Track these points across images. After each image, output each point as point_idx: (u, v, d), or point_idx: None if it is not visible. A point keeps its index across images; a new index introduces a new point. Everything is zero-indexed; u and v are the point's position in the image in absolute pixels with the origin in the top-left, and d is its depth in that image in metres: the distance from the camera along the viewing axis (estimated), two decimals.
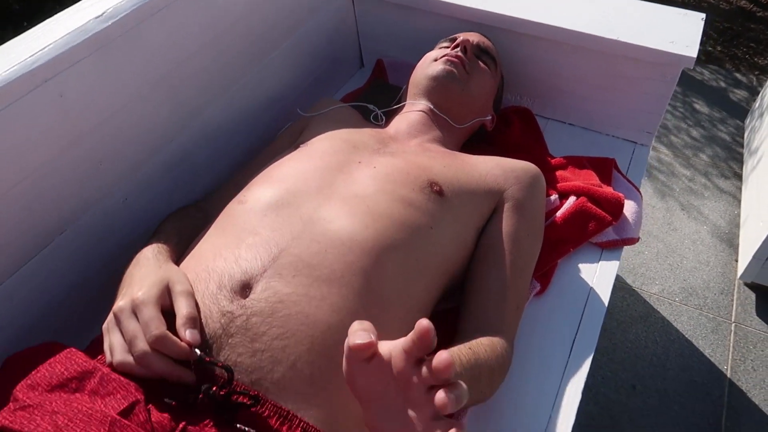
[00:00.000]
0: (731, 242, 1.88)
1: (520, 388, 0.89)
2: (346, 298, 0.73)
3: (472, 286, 0.91)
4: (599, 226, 1.10)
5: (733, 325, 1.66)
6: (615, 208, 1.12)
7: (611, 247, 1.11)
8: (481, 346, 0.78)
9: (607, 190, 1.14)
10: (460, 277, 0.93)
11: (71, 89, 0.82)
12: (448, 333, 0.87)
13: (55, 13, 0.89)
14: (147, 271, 0.73)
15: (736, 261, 1.82)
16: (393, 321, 0.77)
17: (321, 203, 0.82)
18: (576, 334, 0.97)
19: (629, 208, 1.15)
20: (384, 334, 0.74)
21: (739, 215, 1.96)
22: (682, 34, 1.19)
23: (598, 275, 1.07)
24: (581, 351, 0.94)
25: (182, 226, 0.93)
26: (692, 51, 1.14)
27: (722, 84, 2.56)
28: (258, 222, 0.80)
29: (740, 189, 2.05)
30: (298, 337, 0.68)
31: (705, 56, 2.73)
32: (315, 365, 0.67)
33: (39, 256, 0.85)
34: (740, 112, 2.40)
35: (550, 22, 1.23)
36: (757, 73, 2.61)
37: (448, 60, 1.10)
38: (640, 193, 1.21)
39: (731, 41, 2.79)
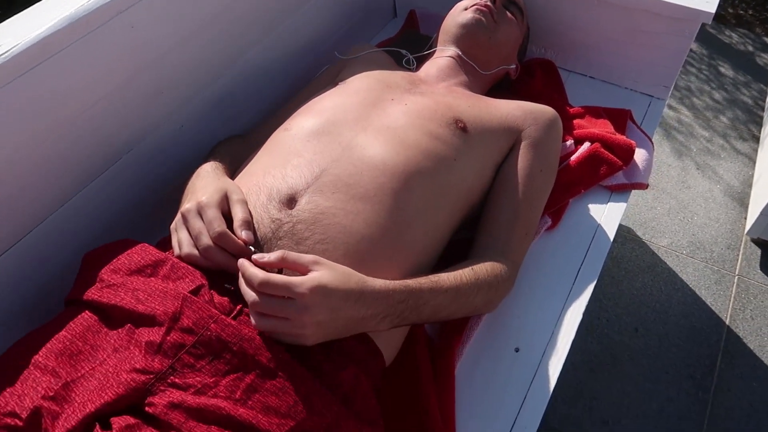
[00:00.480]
0: (742, 201, 1.95)
1: (526, 307, 1.00)
2: (378, 214, 0.84)
3: (486, 212, 1.01)
4: (610, 170, 1.19)
5: (737, 277, 1.75)
6: (626, 153, 1.20)
7: (620, 190, 1.20)
8: (482, 265, 0.89)
9: (620, 137, 1.22)
10: (478, 209, 1.03)
11: (141, 21, 0.93)
12: (463, 260, 0.98)
13: None
14: (208, 181, 0.85)
15: (745, 218, 1.89)
16: (415, 239, 0.88)
17: (358, 132, 0.93)
18: (581, 264, 1.07)
19: (640, 155, 1.24)
20: (407, 247, 0.86)
21: (753, 176, 2.02)
22: None
23: (606, 215, 1.16)
24: (585, 279, 1.05)
25: (232, 150, 1.04)
26: (711, 6, 1.20)
27: (750, 48, 2.57)
28: (302, 146, 0.90)
29: (756, 150, 2.10)
30: (335, 244, 0.80)
31: (735, 20, 2.73)
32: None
33: (109, 171, 0.97)
34: (766, 75, 2.42)
35: None
36: None
37: (477, 9, 1.18)
38: (652, 143, 1.29)
39: (763, 5, 2.78)
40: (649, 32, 1.29)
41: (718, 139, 2.16)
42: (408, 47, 1.40)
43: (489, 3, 1.19)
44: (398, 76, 1.11)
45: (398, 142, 0.92)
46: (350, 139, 0.91)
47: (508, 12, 1.22)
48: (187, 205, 0.79)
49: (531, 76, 1.40)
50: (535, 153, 1.05)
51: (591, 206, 1.18)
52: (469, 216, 1.02)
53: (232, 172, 0.96)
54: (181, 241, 0.78)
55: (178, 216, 0.80)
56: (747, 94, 2.33)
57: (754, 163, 2.06)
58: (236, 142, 1.09)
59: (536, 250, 1.08)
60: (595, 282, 1.05)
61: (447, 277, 0.84)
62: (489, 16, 1.18)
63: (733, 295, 1.71)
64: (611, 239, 1.12)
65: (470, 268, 0.88)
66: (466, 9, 1.20)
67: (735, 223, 1.88)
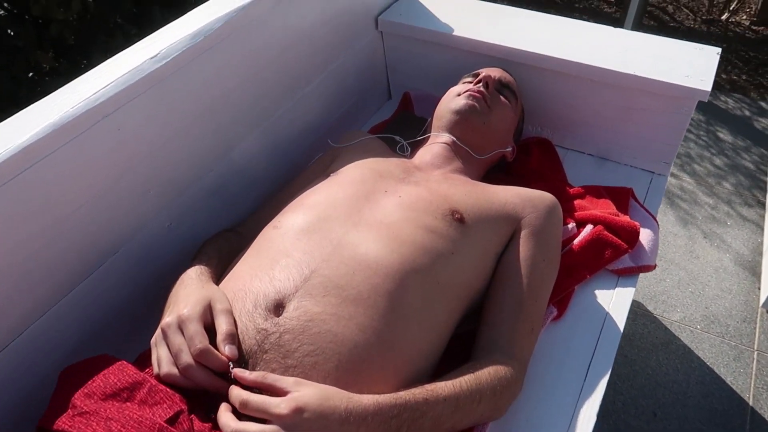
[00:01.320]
0: (754, 270, 1.89)
1: (535, 409, 0.93)
2: (372, 318, 0.79)
3: (488, 307, 0.96)
4: (615, 254, 1.15)
5: (756, 353, 1.67)
6: (631, 236, 1.16)
7: (627, 274, 1.15)
8: (484, 369, 0.83)
9: (624, 218, 1.19)
10: (479, 301, 0.98)
11: (128, 123, 0.91)
12: (467, 354, 0.92)
13: (107, 45, 0.98)
14: (191, 290, 0.81)
15: (759, 289, 1.83)
16: (413, 342, 0.83)
17: (349, 229, 0.89)
18: (592, 358, 1.01)
19: (645, 236, 1.20)
20: (405, 351, 0.81)
21: (762, 243, 1.97)
22: (698, 68, 1.24)
23: (614, 301, 1.11)
24: (597, 374, 0.98)
25: (221, 248, 1.00)
26: (707, 85, 1.19)
27: (746, 112, 2.58)
28: (291, 245, 0.87)
29: (764, 217, 2.06)
30: (326, 355, 0.74)
31: (730, 85, 2.75)
32: (342, 381, 0.73)
33: (94, 275, 0.93)
34: (765, 140, 2.41)
35: (570, 57, 1.29)
36: None
37: (470, 95, 1.17)
38: (657, 222, 1.25)
39: (756, 70, 2.81)
40: (646, 110, 1.28)
41: (723, 205, 2.13)
42: (403, 130, 1.39)
43: (482, 89, 1.18)
44: (392, 164, 1.09)
45: (392, 238, 0.88)
46: (341, 236, 0.88)
47: (501, 96, 1.21)
48: (167, 318, 0.75)
49: (527, 155, 1.39)
50: (536, 242, 1.01)
51: (598, 292, 1.13)
52: (470, 310, 0.97)
53: (221, 272, 0.93)
54: (161, 358, 0.74)
55: (158, 331, 0.76)
56: (748, 159, 2.32)
57: (762, 230, 2.02)
58: (225, 238, 1.05)
59: (543, 344, 1.02)
60: (608, 375, 0.99)
61: (445, 386, 0.78)
62: (482, 101, 1.17)
63: (754, 373, 1.62)
64: (621, 329, 1.06)
65: (471, 373, 0.82)
66: (459, 95, 1.19)
67: (749, 294, 1.82)
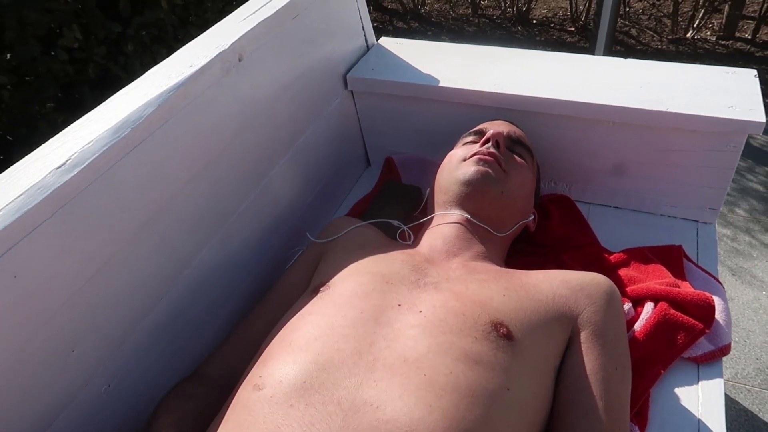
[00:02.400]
0: None
1: None
2: None
3: None
4: (690, 338, 0.90)
5: None
6: (705, 312, 0.92)
7: (709, 361, 0.91)
8: None
9: (689, 290, 0.95)
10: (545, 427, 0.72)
11: (28, 266, 0.64)
12: None
13: (29, 140, 0.72)
14: None
15: None
16: None
17: (362, 378, 0.63)
18: None
19: (716, 307, 0.96)
20: None
21: None
22: (740, 95, 1.04)
23: (703, 401, 0.86)
24: None
25: (182, 416, 0.72)
26: (759, 115, 0.98)
27: None
28: (283, 418, 0.59)
29: None
30: None
31: None
32: None
33: None
34: (765, 158, 2.26)
35: (582, 99, 1.07)
36: None
37: (480, 159, 0.93)
38: (722, 284, 1.02)
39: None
40: (685, 151, 1.07)
41: (743, 235, 1.93)
42: (393, 205, 1.14)
43: (493, 149, 0.95)
44: (397, 261, 0.83)
45: (426, 386, 0.61)
46: (353, 392, 0.61)
47: (515, 155, 0.98)
48: None
49: (547, 219, 1.15)
50: (602, 346, 0.76)
51: (678, 392, 0.88)
52: None
53: None
54: None
55: None
56: (755, 180, 2.15)
57: None
58: (188, 395, 0.77)
59: None
60: None
61: None
62: (496, 165, 0.93)
63: None
64: None
65: None
66: (464, 160, 0.95)
67: None
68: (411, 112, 1.25)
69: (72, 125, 0.76)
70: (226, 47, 0.90)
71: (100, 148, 0.71)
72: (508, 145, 0.99)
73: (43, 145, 0.73)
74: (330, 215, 1.24)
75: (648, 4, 3.45)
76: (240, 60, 0.94)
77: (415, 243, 0.95)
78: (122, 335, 0.77)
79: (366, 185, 1.33)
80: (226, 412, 0.66)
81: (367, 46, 1.33)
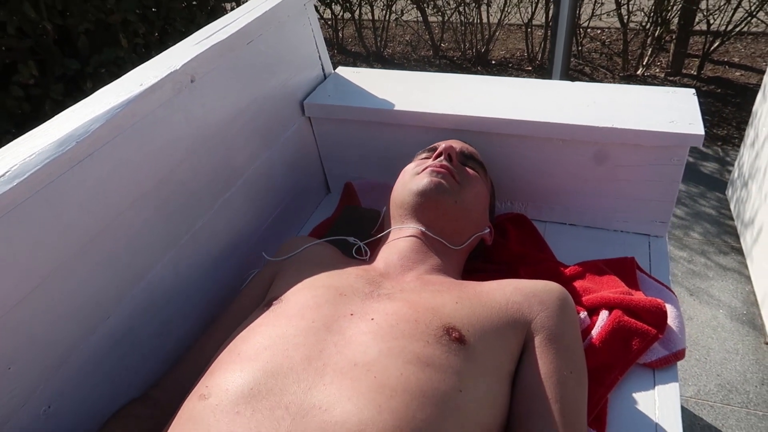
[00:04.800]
0: (753, 323, 1.71)
1: None
2: None
3: None
4: (644, 343, 0.91)
5: None
6: (657, 318, 0.93)
7: (664, 366, 0.92)
8: None
9: (643, 298, 0.96)
10: None
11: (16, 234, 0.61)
12: None
13: None
14: None
15: (767, 344, 1.64)
16: None
17: (311, 383, 0.61)
18: None
19: (669, 314, 0.97)
20: None
21: (752, 292, 1.81)
22: (681, 111, 1.08)
23: (660, 405, 0.86)
24: None
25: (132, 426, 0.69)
26: (698, 128, 1.02)
27: (689, 159, 2.52)
28: (229, 425, 0.58)
29: (744, 264, 1.92)
30: None
31: None
32: None
33: None
34: (717, 184, 2.34)
35: (533, 118, 1.10)
36: (719, 143, 2.59)
37: (433, 170, 0.94)
38: (674, 293, 1.04)
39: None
40: (632, 166, 1.10)
41: (698, 257, 1.98)
42: (353, 229, 1.14)
43: (445, 162, 0.96)
44: (352, 275, 0.83)
45: (376, 388, 0.61)
46: (301, 396, 0.60)
47: (467, 168, 1.00)
48: None
49: (503, 237, 1.16)
50: (556, 351, 0.77)
51: (636, 396, 0.88)
52: None
53: None
54: None
55: None
56: (707, 205, 2.22)
57: (747, 278, 1.87)
58: (135, 416, 0.74)
59: None
60: None
61: None
62: (449, 177, 0.94)
63: None
64: None
65: None
66: (418, 174, 0.96)
67: (757, 351, 1.63)
68: (369, 137, 1.27)
69: (15, 140, 0.75)
70: (177, 68, 0.91)
71: (42, 161, 0.70)
72: (460, 159, 1.01)
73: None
74: (294, 231, 1.23)
75: (599, 44, 3.61)
76: (192, 81, 0.94)
77: (371, 259, 0.95)
78: (64, 353, 0.74)
79: (326, 211, 1.33)
80: (170, 425, 0.64)
81: (324, 75, 1.35)
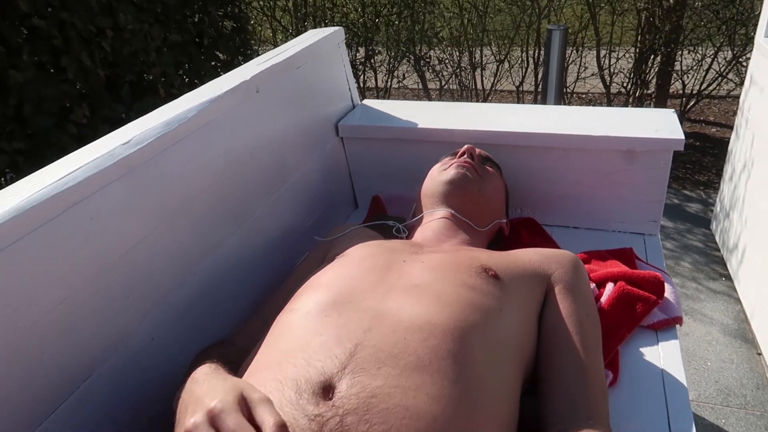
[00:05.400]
0: (745, 337, 1.85)
1: None
2: (442, 386, 0.64)
3: (549, 376, 0.82)
4: (647, 307, 1.06)
5: None
6: (656, 287, 1.08)
7: (664, 327, 1.06)
8: None
9: (644, 271, 1.12)
10: (531, 371, 0.84)
11: (100, 213, 0.77)
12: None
13: None
14: (213, 384, 0.62)
15: (759, 354, 1.77)
16: (492, 407, 0.67)
17: (383, 296, 0.76)
18: (668, 420, 0.87)
19: (666, 287, 1.12)
20: (486, 423, 0.65)
21: (742, 311, 1.95)
22: (663, 123, 1.28)
23: (664, 356, 1.00)
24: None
25: (221, 354, 0.82)
26: (678, 134, 1.22)
27: (675, 201, 2.72)
28: (319, 323, 0.72)
29: (733, 288, 2.07)
30: None
31: None
32: None
33: (65, 405, 0.71)
34: (701, 221, 2.53)
35: (537, 130, 1.30)
36: (701, 187, 2.81)
37: (459, 165, 1.12)
38: (668, 275, 1.19)
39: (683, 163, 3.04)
40: (625, 170, 1.28)
41: (690, 282, 2.13)
42: (384, 229, 1.30)
43: (468, 159, 1.14)
44: (397, 243, 0.98)
45: (434, 299, 0.75)
46: (377, 303, 0.74)
47: (486, 167, 1.17)
48: (194, 417, 0.55)
49: (517, 235, 1.32)
50: (573, 298, 0.91)
51: (643, 350, 1.01)
52: (526, 379, 0.82)
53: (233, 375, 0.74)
54: None
55: None
56: (695, 239, 2.39)
57: (736, 299, 2.02)
58: (223, 346, 0.87)
59: (611, 413, 0.87)
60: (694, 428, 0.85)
61: None
62: (472, 169, 1.12)
63: None
64: (684, 382, 0.94)
65: None
66: (446, 169, 1.14)
67: (751, 361, 1.75)
68: (394, 154, 1.45)
69: (137, 120, 0.92)
70: (247, 78, 1.10)
71: (155, 134, 0.87)
72: (480, 159, 1.19)
73: (112, 132, 0.89)
74: None
75: (587, 102, 3.92)
76: (257, 91, 1.13)
77: (408, 238, 1.10)
78: (166, 294, 0.88)
79: (355, 222, 1.49)
80: (263, 339, 0.77)
81: (353, 104, 1.55)
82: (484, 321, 0.75)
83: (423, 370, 0.64)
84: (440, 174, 1.13)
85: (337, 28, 1.49)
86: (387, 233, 1.17)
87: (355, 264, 0.86)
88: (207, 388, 0.61)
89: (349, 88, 1.53)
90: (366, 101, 1.59)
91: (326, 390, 0.61)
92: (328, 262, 0.98)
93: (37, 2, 1.73)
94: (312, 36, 1.40)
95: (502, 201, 1.18)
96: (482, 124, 1.36)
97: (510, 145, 1.33)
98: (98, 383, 0.76)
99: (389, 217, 1.35)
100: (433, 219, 1.09)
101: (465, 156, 1.15)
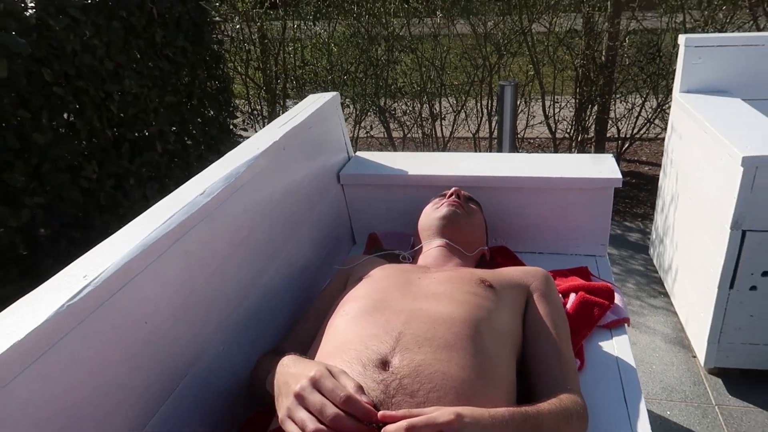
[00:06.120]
0: (682, 343, 2.17)
1: None
2: (466, 359, 0.89)
3: (535, 362, 1.08)
4: (602, 311, 1.34)
5: (717, 407, 1.86)
6: (608, 295, 1.38)
7: (615, 326, 1.34)
8: (563, 398, 0.95)
9: (598, 282, 1.41)
10: (521, 353, 1.10)
11: (192, 248, 1.00)
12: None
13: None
14: (302, 365, 0.85)
15: (694, 357, 2.08)
16: (502, 375, 0.93)
17: (411, 301, 1.01)
18: (624, 392, 1.15)
19: (615, 296, 1.42)
20: (498, 385, 0.91)
21: (679, 322, 2.28)
22: (604, 166, 1.60)
23: (617, 348, 1.28)
24: (634, 401, 1.11)
25: (279, 355, 1.05)
26: (617, 174, 1.54)
27: (618, 231, 3.09)
28: (366, 321, 0.96)
29: (670, 303, 2.41)
30: (445, 389, 0.82)
31: None
32: None
33: (165, 405, 0.93)
34: (641, 248, 2.89)
35: (506, 174, 1.60)
36: (639, 219, 3.19)
37: (450, 203, 1.40)
38: (617, 286, 1.49)
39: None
40: (578, 204, 1.59)
41: (635, 300, 2.46)
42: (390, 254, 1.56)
43: (456, 199, 1.42)
44: (406, 267, 1.24)
45: (450, 301, 1.01)
46: (408, 306, 0.99)
47: (471, 204, 1.46)
48: (300, 384, 0.78)
49: (494, 260, 1.60)
50: (547, 303, 1.18)
51: (601, 344, 1.29)
52: (518, 361, 1.08)
53: None
54: (303, 421, 0.76)
55: (291, 400, 0.78)
56: (636, 264, 2.74)
57: (673, 313, 2.35)
58: (276, 352, 1.10)
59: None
60: (642, 399, 1.12)
61: (545, 405, 0.88)
62: (461, 207, 1.40)
63: (723, 423, 1.80)
64: (634, 365, 1.22)
65: (555, 398, 0.93)
66: (438, 207, 1.41)
67: (687, 363, 2.07)
68: (387, 196, 1.72)
69: (201, 174, 1.16)
70: (277, 139, 1.35)
71: (221, 186, 1.11)
72: (464, 198, 1.47)
73: (184, 184, 1.12)
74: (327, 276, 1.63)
75: (536, 149, 4.32)
76: (284, 149, 1.39)
77: (413, 263, 1.36)
78: (231, 312, 1.11)
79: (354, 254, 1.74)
80: (318, 341, 1.01)
81: (349, 156, 1.83)
82: (488, 316, 1.01)
83: (451, 349, 0.90)
84: (434, 211, 1.41)
85: (334, 93, 1.77)
86: (393, 261, 1.42)
87: (382, 281, 1.12)
88: (300, 368, 0.84)
89: (345, 143, 1.81)
90: (359, 153, 1.86)
91: (384, 364, 0.85)
92: (353, 283, 1.22)
93: (58, 72, 1.95)
94: (316, 100, 1.68)
95: (483, 232, 1.46)
96: (461, 170, 1.65)
97: (486, 187, 1.62)
98: (189, 386, 0.97)
99: (386, 250, 1.61)
100: (432, 247, 1.36)
101: (453, 196, 1.43)
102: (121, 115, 2.26)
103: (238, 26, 3.83)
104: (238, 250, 1.15)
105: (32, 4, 1.87)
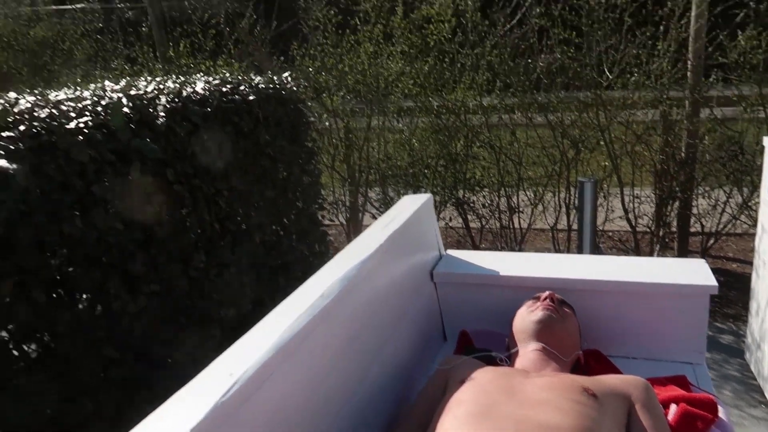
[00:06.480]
0: None
1: None
2: None
3: None
4: (705, 425, 1.32)
5: None
6: (711, 408, 1.35)
7: None
8: None
9: (700, 394, 1.39)
10: None
11: (313, 351, 1.09)
12: None
13: None
14: None
15: None
16: None
17: (518, 407, 1.06)
18: None
19: (719, 409, 1.39)
20: None
21: None
22: (698, 272, 1.61)
23: None
24: None
25: None
26: (713, 281, 1.54)
27: (709, 332, 2.97)
28: (476, 424, 1.01)
29: None
30: None
31: None
32: None
33: None
34: (735, 351, 2.76)
35: (601, 278, 1.63)
36: (731, 320, 3.07)
37: (545, 307, 1.44)
38: (719, 398, 1.46)
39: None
40: (673, 310, 1.59)
41: (733, 409, 2.34)
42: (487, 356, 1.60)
43: (550, 303, 1.46)
44: (507, 369, 1.28)
45: (557, 410, 1.04)
46: (515, 411, 1.04)
47: (564, 308, 1.49)
48: None
49: (587, 365, 1.61)
50: (651, 414, 1.19)
51: None
52: None
53: None
54: None
55: None
56: (731, 369, 2.62)
57: None
58: None
59: None
60: None
61: None
62: (555, 310, 1.44)
63: None
64: None
65: None
66: (533, 311, 1.46)
67: None
68: (480, 296, 1.78)
69: (317, 273, 1.27)
70: (383, 241, 1.46)
71: (339, 288, 1.21)
72: (559, 301, 1.51)
73: (304, 284, 1.23)
74: (423, 373, 1.68)
75: (616, 242, 4.27)
76: (386, 252, 1.49)
77: (510, 366, 1.40)
78: (348, 396, 1.19)
79: (447, 352, 1.79)
80: None
81: (440, 254, 1.91)
82: (594, 426, 1.03)
83: None
84: (529, 315, 1.45)
85: (428, 195, 1.89)
86: (491, 363, 1.46)
87: (486, 384, 1.16)
88: None
89: (438, 242, 1.90)
90: (449, 251, 1.95)
91: None
92: (455, 384, 1.27)
93: (179, 172, 2.18)
94: (413, 202, 1.80)
95: (577, 336, 1.49)
96: (553, 272, 1.70)
97: (578, 290, 1.65)
98: None
99: (481, 350, 1.65)
100: (528, 351, 1.40)
101: (548, 300, 1.48)
102: (227, 209, 2.46)
103: (326, 123, 4.12)
104: (350, 348, 1.24)
105: (162, 114, 2.13)
